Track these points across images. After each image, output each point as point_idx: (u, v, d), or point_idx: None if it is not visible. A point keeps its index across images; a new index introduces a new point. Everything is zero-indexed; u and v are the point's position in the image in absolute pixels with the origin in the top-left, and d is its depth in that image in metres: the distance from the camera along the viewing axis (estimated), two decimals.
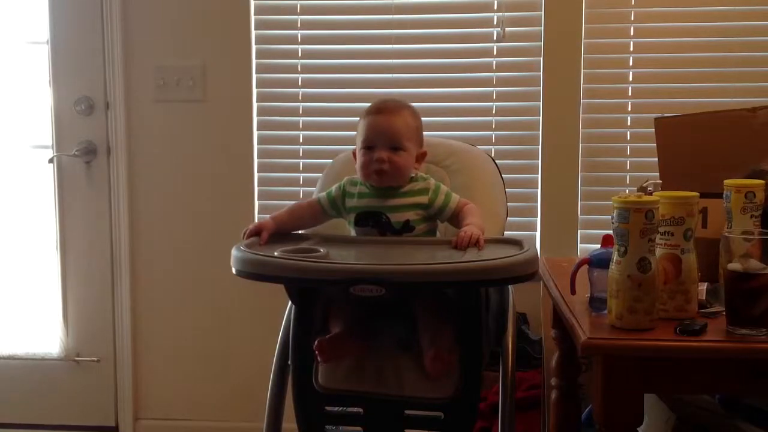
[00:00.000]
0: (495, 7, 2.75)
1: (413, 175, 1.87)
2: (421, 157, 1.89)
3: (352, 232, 1.85)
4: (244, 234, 1.77)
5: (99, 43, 2.82)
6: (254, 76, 2.80)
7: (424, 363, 1.66)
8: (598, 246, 1.57)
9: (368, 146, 1.83)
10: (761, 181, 1.62)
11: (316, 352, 1.66)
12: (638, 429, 1.40)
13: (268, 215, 2.83)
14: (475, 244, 1.68)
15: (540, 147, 2.74)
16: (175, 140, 2.85)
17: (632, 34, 2.71)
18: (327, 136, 2.77)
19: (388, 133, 1.82)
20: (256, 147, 2.83)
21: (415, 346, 1.70)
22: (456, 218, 1.82)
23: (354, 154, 1.88)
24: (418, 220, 1.82)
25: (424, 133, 1.95)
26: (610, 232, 1.45)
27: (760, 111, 1.97)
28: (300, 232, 2.00)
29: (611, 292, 1.40)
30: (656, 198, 1.42)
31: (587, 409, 2.07)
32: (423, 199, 1.82)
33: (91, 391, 2.93)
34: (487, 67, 2.77)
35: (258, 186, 2.86)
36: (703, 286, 1.55)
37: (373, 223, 1.81)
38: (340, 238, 1.85)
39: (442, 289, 1.73)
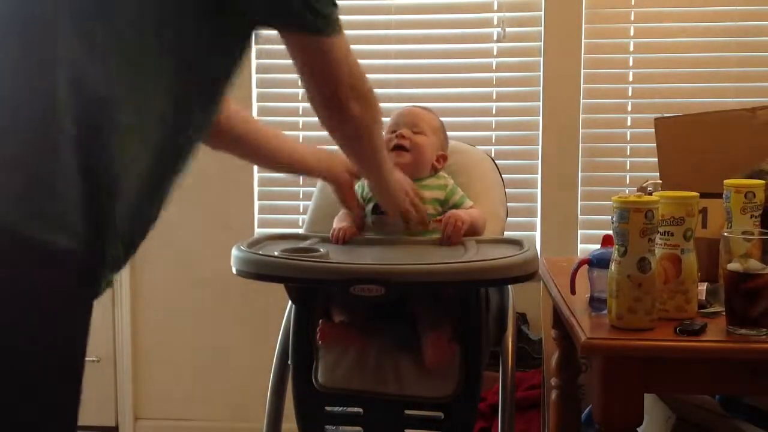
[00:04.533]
0: (495, 7, 2.75)
1: (433, 172, 1.89)
2: (441, 159, 1.92)
3: (369, 221, 1.85)
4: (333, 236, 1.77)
5: None
6: (254, 76, 2.80)
7: (423, 352, 1.66)
8: (598, 246, 1.57)
9: (392, 131, 1.88)
10: (761, 181, 1.62)
11: (318, 335, 1.67)
12: (638, 429, 1.39)
13: (268, 215, 2.86)
14: (454, 227, 1.71)
15: (540, 147, 2.74)
16: None
17: (632, 34, 2.72)
18: (327, 137, 2.76)
19: (412, 118, 1.90)
20: None
21: (415, 345, 1.70)
22: None
23: None
24: (434, 215, 1.82)
25: None
26: (610, 232, 1.45)
27: (760, 111, 1.97)
28: (300, 232, 2.01)
29: (611, 292, 1.40)
30: (656, 198, 1.42)
31: (587, 409, 2.07)
32: (440, 194, 1.84)
33: (91, 391, 2.92)
34: (487, 67, 2.77)
35: (258, 186, 2.86)
36: (703, 286, 1.55)
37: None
38: None
39: (442, 289, 1.73)
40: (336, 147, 1.55)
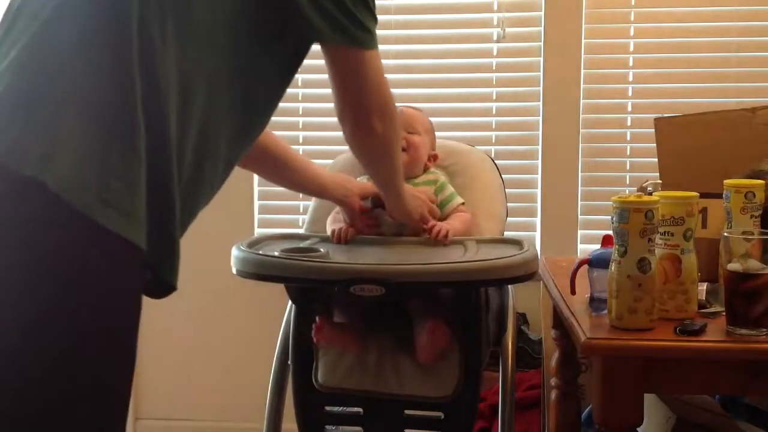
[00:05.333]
0: (495, 7, 2.75)
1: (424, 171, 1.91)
2: (433, 158, 1.94)
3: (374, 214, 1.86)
4: (335, 236, 1.79)
5: None
6: None
7: (416, 341, 1.65)
8: (598, 246, 1.57)
9: None
10: (761, 181, 1.62)
11: (314, 331, 1.67)
12: (638, 429, 1.40)
13: (268, 215, 2.86)
14: (444, 236, 1.73)
15: (540, 147, 2.74)
16: None
17: (632, 34, 2.72)
18: (327, 136, 2.76)
19: (406, 119, 1.91)
20: None
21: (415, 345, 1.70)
22: (446, 219, 1.84)
23: None
24: None
25: None
26: (610, 232, 1.45)
27: (760, 111, 1.97)
28: (300, 231, 2.01)
29: (611, 292, 1.40)
30: (656, 198, 1.42)
31: (587, 409, 2.07)
32: (430, 189, 1.85)
33: None
34: (487, 68, 2.77)
35: (258, 186, 2.86)
36: (703, 286, 1.55)
37: (384, 205, 1.82)
38: None
39: (441, 289, 1.73)
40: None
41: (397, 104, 1.99)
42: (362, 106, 1.39)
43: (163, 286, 1.16)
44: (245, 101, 1.23)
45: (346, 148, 2.21)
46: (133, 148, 1.05)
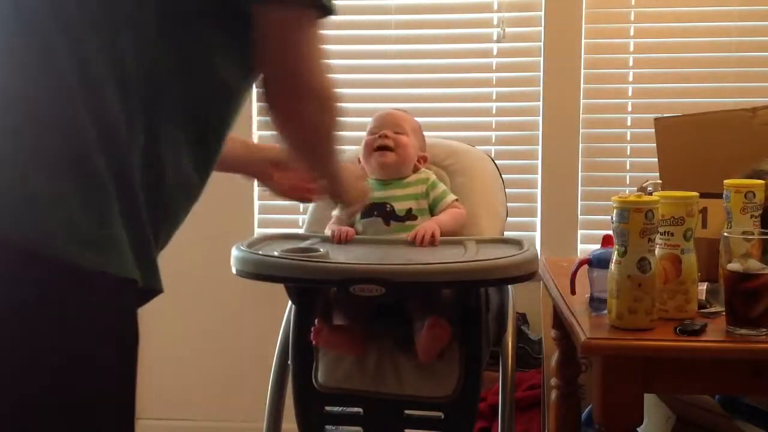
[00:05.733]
0: (495, 7, 2.75)
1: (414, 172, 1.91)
2: (422, 159, 1.94)
3: (359, 227, 1.86)
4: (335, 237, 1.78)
5: None
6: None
7: (416, 339, 1.66)
8: (598, 246, 1.57)
9: (374, 132, 1.90)
10: (761, 181, 1.62)
11: (312, 334, 1.67)
12: (638, 429, 1.40)
13: (268, 215, 2.86)
14: (430, 240, 1.73)
15: (540, 147, 2.74)
16: None
17: (632, 34, 2.72)
18: None
19: (393, 120, 1.92)
20: None
21: (414, 345, 1.70)
22: None
23: (359, 159, 1.91)
24: (420, 210, 1.85)
25: (425, 133, 2.01)
26: (610, 232, 1.45)
27: (760, 111, 1.97)
28: (300, 231, 2.01)
29: (611, 292, 1.40)
30: (656, 198, 1.42)
31: (587, 409, 2.07)
32: (421, 188, 1.88)
33: None
34: (487, 68, 2.77)
35: (258, 186, 2.86)
36: (703, 286, 1.55)
37: (377, 212, 1.83)
38: None
39: (441, 289, 1.73)
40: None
41: (387, 105, 2.01)
42: (298, 88, 1.13)
43: (151, 292, 1.12)
44: (192, 94, 1.11)
45: (345, 147, 2.22)
46: (94, 171, 0.97)
